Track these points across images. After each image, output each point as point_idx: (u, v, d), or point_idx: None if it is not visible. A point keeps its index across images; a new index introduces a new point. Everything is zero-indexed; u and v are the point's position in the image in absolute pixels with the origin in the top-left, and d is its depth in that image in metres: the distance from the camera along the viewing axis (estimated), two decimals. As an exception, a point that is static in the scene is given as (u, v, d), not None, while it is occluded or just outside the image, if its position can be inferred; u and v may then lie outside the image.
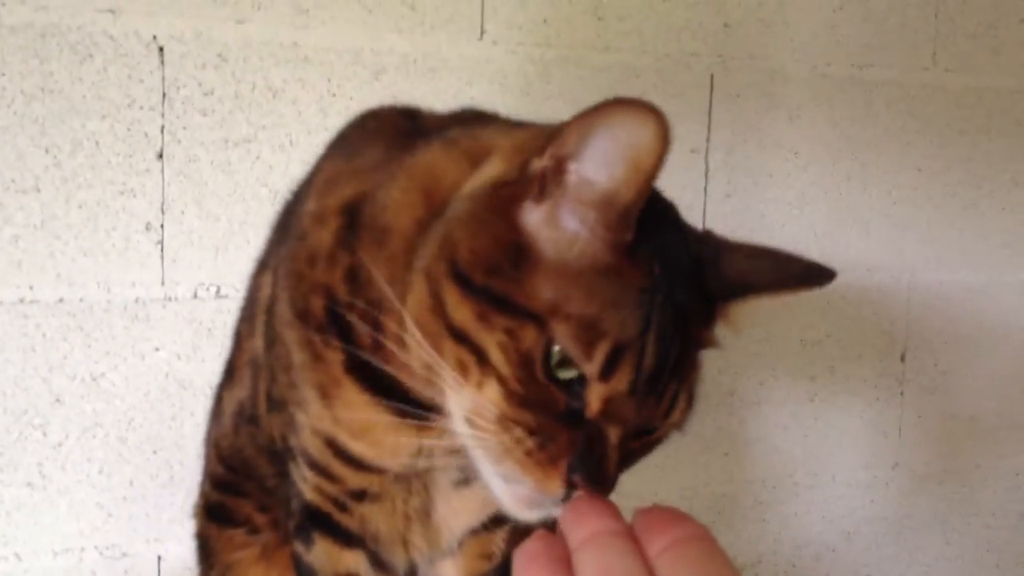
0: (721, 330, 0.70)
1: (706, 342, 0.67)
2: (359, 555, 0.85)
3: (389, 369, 0.70)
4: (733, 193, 1.48)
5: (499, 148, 0.69)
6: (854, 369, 1.62)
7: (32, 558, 1.18)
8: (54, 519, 1.18)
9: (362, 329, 0.71)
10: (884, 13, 1.54)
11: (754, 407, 1.56)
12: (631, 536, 0.49)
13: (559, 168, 0.61)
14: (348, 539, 0.83)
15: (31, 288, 1.14)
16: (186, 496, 1.07)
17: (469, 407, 0.62)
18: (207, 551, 0.98)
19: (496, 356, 0.60)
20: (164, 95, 1.16)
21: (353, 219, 0.73)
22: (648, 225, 0.61)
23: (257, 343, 0.86)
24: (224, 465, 0.96)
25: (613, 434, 0.60)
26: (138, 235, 1.17)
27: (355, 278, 0.72)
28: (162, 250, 1.18)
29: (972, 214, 1.66)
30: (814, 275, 0.69)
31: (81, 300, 1.16)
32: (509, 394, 0.60)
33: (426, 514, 0.85)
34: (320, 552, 0.83)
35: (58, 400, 1.16)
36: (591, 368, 0.59)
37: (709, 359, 0.69)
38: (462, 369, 0.61)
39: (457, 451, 0.71)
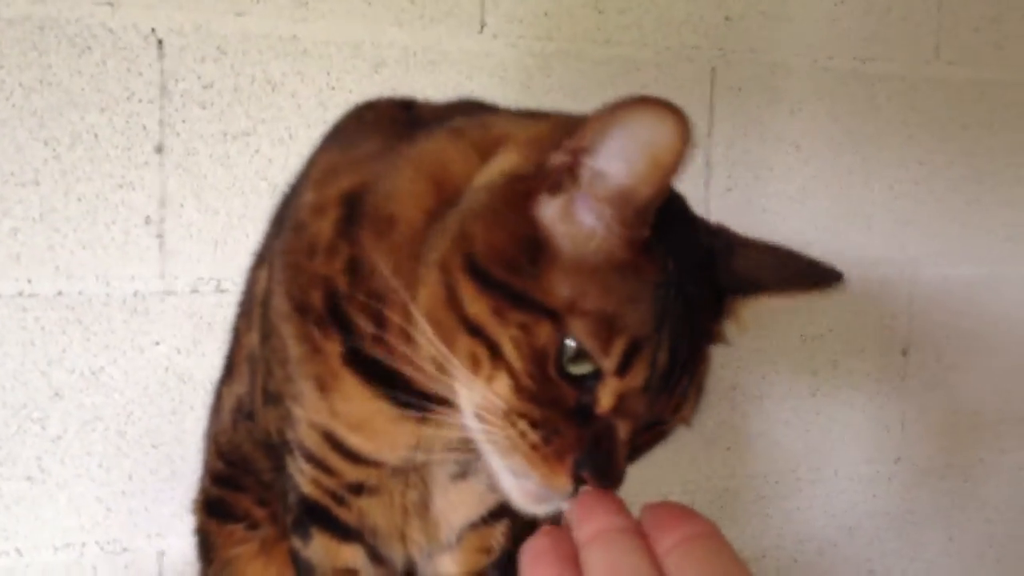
0: (727, 326, 0.70)
1: (715, 336, 0.67)
2: (357, 549, 0.84)
3: (394, 361, 0.70)
4: (734, 187, 1.47)
5: (512, 140, 0.68)
6: (856, 364, 1.62)
7: (33, 553, 1.17)
8: (54, 514, 1.18)
9: (362, 321, 0.71)
10: (886, 6, 1.54)
11: (756, 402, 1.56)
12: (639, 533, 0.49)
13: (576, 163, 0.60)
14: (346, 533, 0.83)
15: (30, 281, 1.13)
16: (186, 490, 1.06)
17: (479, 401, 0.61)
18: (207, 546, 0.98)
19: (509, 350, 0.60)
20: (163, 88, 1.16)
21: (353, 209, 0.73)
22: (661, 219, 0.61)
23: (254, 337, 0.86)
24: (223, 460, 0.96)
25: (623, 429, 0.60)
26: (137, 228, 1.17)
27: (356, 269, 0.71)
28: (161, 243, 1.18)
29: (975, 208, 1.66)
30: (823, 276, 0.70)
31: (80, 293, 1.15)
32: (519, 388, 0.59)
33: (424, 508, 0.84)
34: (318, 547, 0.83)
35: (57, 394, 1.16)
36: (609, 364, 0.59)
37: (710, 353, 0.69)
38: (474, 363, 0.61)
39: (456, 444, 0.71)
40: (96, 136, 1.14)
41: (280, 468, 0.84)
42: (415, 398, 0.69)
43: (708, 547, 0.47)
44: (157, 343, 1.19)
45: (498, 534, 0.90)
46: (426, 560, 0.89)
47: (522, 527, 0.65)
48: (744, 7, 1.45)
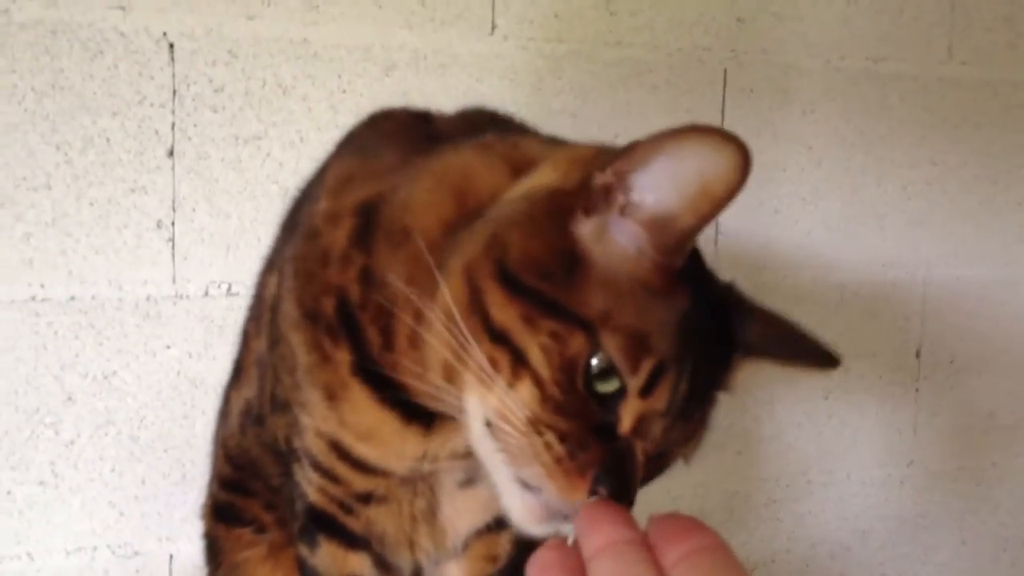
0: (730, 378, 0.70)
1: (723, 384, 0.67)
2: (364, 557, 0.84)
3: (398, 373, 0.70)
4: (747, 188, 1.46)
5: (551, 158, 0.68)
6: (869, 366, 1.61)
7: (44, 557, 1.17)
8: (66, 518, 1.18)
9: (372, 331, 0.71)
10: (899, 6, 1.53)
11: (767, 405, 1.55)
12: (646, 545, 0.49)
13: (620, 185, 0.60)
14: (353, 541, 0.83)
15: (42, 286, 1.13)
16: (198, 494, 1.06)
17: (494, 408, 0.61)
18: (215, 551, 0.98)
19: (537, 358, 0.59)
20: (175, 92, 1.16)
21: (369, 219, 0.73)
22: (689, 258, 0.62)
23: (263, 342, 0.86)
24: (231, 465, 0.96)
25: (640, 452, 0.60)
26: (149, 233, 1.17)
27: (369, 279, 0.71)
28: (173, 248, 1.18)
29: (988, 209, 1.65)
30: (824, 359, 0.71)
31: (92, 298, 1.15)
32: (545, 398, 0.59)
33: (432, 515, 0.84)
34: (325, 554, 0.83)
35: (70, 398, 1.16)
36: (635, 382, 0.59)
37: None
38: (493, 370, 0.61)
39: (462, 455, 0.70)
40: (108, 140, 1.14)
41: (288, 474, 0.84)
42: (421, 410, 0.69)
43: (715, 560, 0.47)
44: (169, 347, 1.19)
45: (504, 542, 0.90)
46: (433, 567, 0.89)
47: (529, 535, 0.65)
48: (756, 8, 1.44)
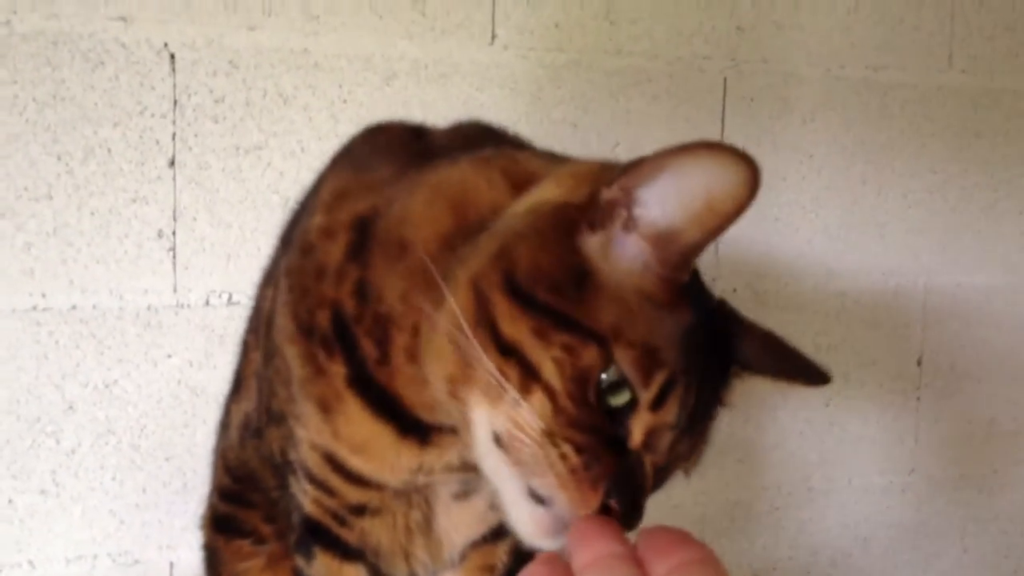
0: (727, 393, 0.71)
1: (723, 400, 0.68)
2: (359, 569, 0.84)
3: (394, 386, 0.70)
4: (747, 197, 1.47)
5: (554, 174, 0.69)
6: (870, 374, 1.61)
7: (45, 565, 1.18)
8: (67, 526, 1.18)
9: (368, 344, 0.71)
10: (899, 15, 1.53)
11: (769, 412, 1.55)
12: (635, 559, 0.49)
13: (626, 200, 0.61)
14: (348, 553, 0.83)
15: (44, 295, 1.14)
16: (199, 503, 1.07)
17: (504, 420, 0.61)
18: (214, 562, 0.98)
19: (549, 371, 0.59)
20: (175, 102, 1.17)
21: (364, 233, 0.73)
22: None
23: (261, 355, 0.86)
24: (231, 477, 0.96)
25: (649, 465, 0.61)
26: (150, 242, 1.17)
27: (364, 293, 0.71)
28: (174, 257, 1.18)
29: (989, 217, 1.65)
30: (815, 376, 0.71)
31: (93, 307, 1.16)
32: (558, 410, 0.59)
33: (428, 526, 0.84)
34: (320, 566, 0.83)
35: (71, 407, 1.16)
36: (647, 395, 0.59)
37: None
38: (502, 383, 0.61)
39: (458, 467, 0.70)
40: (109, 150, 1.14)
41: (284, 486, 0.84)
42: (415, 423, 0.69)
43: (703, 573, 0.47)
44: (170, 356, 1.20)
45: (502, 553, 0.90)
46: None
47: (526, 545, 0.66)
48: (756, 17, 1.44)
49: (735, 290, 1.47)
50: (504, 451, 0.61)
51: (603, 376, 0.59)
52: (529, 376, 0.60)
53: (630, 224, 0.61)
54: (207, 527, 1.00)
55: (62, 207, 1.13)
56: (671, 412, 0.60)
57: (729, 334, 0.67)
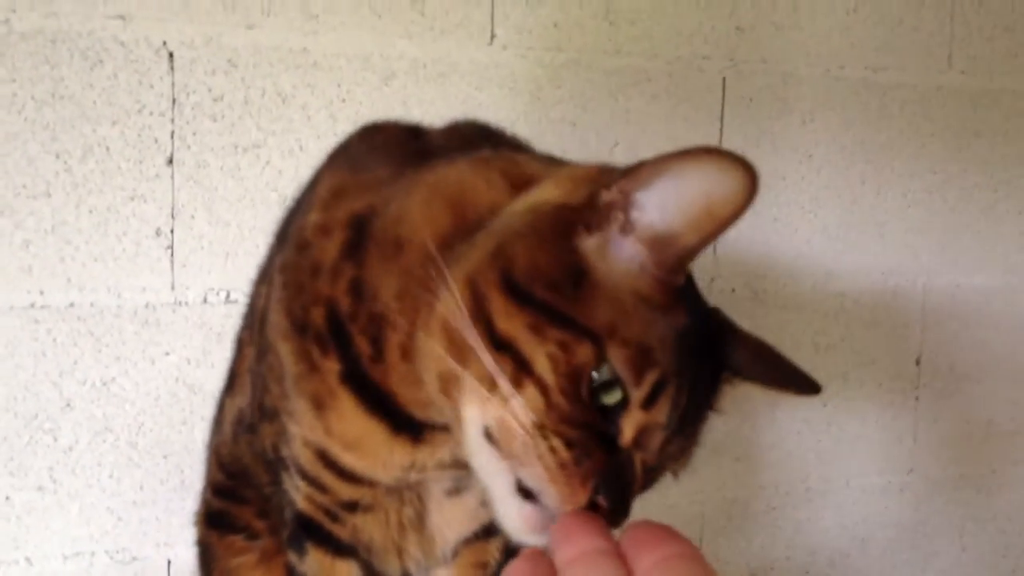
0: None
1: (713, 404, 0.69)
2: (352, 565, 0.85)
3: (388, 383, 0.71)
4: (745, 197, 1.47)
5: (553, 176, 0.69)
6: (868, 374, 1.61)
7: (43, 562, 1.18)
8: (64, 523, 1.18)
9: (362, 341, 0.71)
10: (898, 15, 1.53)
11: (767, 412, 1.55)
12: (619, 555, 0.49)
13: (624, 202, 0.61)
14: (340, 549, 0.84)
15: (42, 293, 1.14)
16: (196, 500, 1.07)
17: (495, 416, 0.61)
18: (207, 558, 0.99)
19: (543, 366, 0.60)
20: (174, 101, 1.17)
21: (361, 232, 0.73)
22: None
23: (255, 352, 0.86)
24: (224, 472, 0.96)
25: (639, 463, 0.62)
26: (148, 240, 1.17)
27: (359, 290, 0.72)
28: (172, 255, 1.19)
29: (988, 217, 1.65)
30: (803, 385, 0.71)
31: (91, 305, 1.16)
32: (550, 405, 0.60)
33: (420, 523, 0.85)
34: (313, 562, 0.83)
35: (68, 405, 1.17)
36: (639, 394, 0.60)
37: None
38: (496, 377, 0.61)
39: (450, 465, 0.71)
40: (107, 149, 1.15)
41: (277, 482, 0.84)
42: (408, 420, 0.70)
43: (686, 568, 0.47)
44: (167, 354, 1.20)
45: (494, 549, 0.91)
46: (422, 575, 0.90)
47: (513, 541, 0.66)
48: (755, 17, 1.44)
49: (734, 290, 1.47)
50: (494, 445, 0.62)
51: (595, 374, 0.59)
52: (523, 371, 0.60)
53: (627, 227, 0.61)
54: (200, 523, 1.01)
55: (60, 205, 1.13)
56: (662, 412, 0.61)
57: (721, 340, 0.68)
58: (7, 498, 1.16)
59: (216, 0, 1.17)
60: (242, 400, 0.92)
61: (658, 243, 0.61)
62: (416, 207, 0.71)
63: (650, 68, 1.39)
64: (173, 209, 1.18)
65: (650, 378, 0.60)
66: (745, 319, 0.72)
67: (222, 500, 0.97)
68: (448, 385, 0.65)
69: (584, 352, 0.59)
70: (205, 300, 1.20)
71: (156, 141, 1.16)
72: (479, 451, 0.63)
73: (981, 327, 1.67)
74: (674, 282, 0.62)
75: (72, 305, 1.15)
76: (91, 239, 1.15)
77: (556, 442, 0.59)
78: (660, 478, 0.66)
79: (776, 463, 1.58)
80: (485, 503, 0.70)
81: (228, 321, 1.20)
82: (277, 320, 0.76)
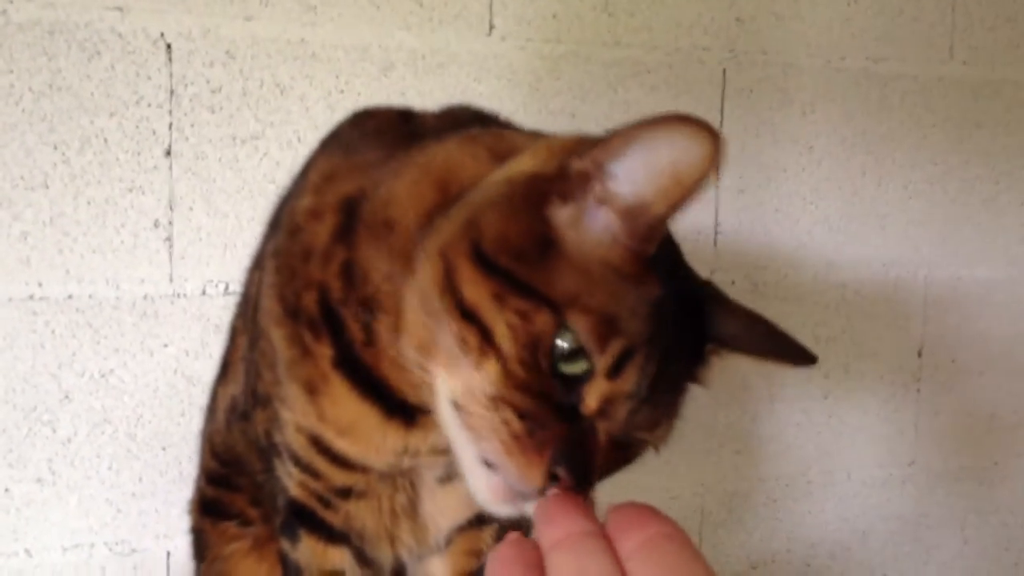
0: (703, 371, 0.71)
1: (695, 376, 0.68)
2: (344, 552, 0.85)
3: (380, 367, 0.71)
4: (746, 188, 1.47)
5: (531, 147, 0.69)
6: (870, 366, 1.61)
7: (42, 554, 1.18)
8: (64, 515, 1.18)
9: (354, 325, 0.71)
10: (899, 5, 1.53)
11: (767, 404, 1.55)
12: (604, 536, 0.49)
13: (596, 172, 0.61)
14: (333, 536, 0.83)
15: (40, 285, 1.14)
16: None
17: (460, 386, 0.61)
18: (201, 545, 0.99)
19: (502, 334, 0.59)
20: (172, 92, 1.17)
21: (351, 215, 0.73)
22: (662, 247, 0.62)
23: (247, 339, 0.86)
24: (218, 460, 0.97)
25: (603, 434, 0.61)
26: (146, 232, 1.17)
27: (350, 273, 0.72)
28: (170, 247, 1.18)
29: (990, 209, 1.64)
30: (799, 356, 0.70)
31: (90, 297, 1.16)
32: (507, 375, 0.60)
33: (413, 510, 0.85)
34: (305, 548, 0.83)
35: (67, 396, 1.17)
36: (602, 362, 0.59)
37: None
38: (461, 348, 0.61)
39: (443, 450, 0.71)
40: (105, 140, 1.14)
41: (270, 469, 0.84)
42: (401, 404, 0.70)
43: (670, 548, 0.47)
44: (166, 345, 1.20)
45: (488, 537, 0.90)
46: (416, 563, 0.90)
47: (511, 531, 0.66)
48: (755, 8, 1.44)
49: (734, 282, 1.47)
50: (460, 417, 0.62)
51: (558, 342, 0.59)
52: (486, 341, 0.60)
53: (601, 197, 0.61)
54: (194, 511, 1.01)
55: (58, 196, 1.13)
56: (629, 381, 0.60)
57: (708, 311, 0.67)
58: (6, 490, 1.16)
59: (214, -9, 1.17)
60: (235, 388, 0.92)
61: (630, 213, 0.60)
62: (404, 187, 0.71)
63: (650, 60, 1.39)
64: (171, 201, 1.18)
65: (615, 347, 0.59)
66: (746, 310, 0.71)
67: (215, 488, 0.97)
68: (425, 357, 0.64)
69: (542, 320, 0.59)
70: (203, 292, 1.20)
71: (154, 132, 1.16)
72: (449, 423, 0.63)
73: (983, 319, 1.67)
74: (645, 252, 0.61)
75: (70, 297, 1.15)
76: (89, 231, 1.15)
77: (509, 414, 0.59)
78: (638, 454, 0.66)
79: (777, 456, 1.57)
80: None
81: (226, 313, 1.20)
82: (269, 306, 0.75)
